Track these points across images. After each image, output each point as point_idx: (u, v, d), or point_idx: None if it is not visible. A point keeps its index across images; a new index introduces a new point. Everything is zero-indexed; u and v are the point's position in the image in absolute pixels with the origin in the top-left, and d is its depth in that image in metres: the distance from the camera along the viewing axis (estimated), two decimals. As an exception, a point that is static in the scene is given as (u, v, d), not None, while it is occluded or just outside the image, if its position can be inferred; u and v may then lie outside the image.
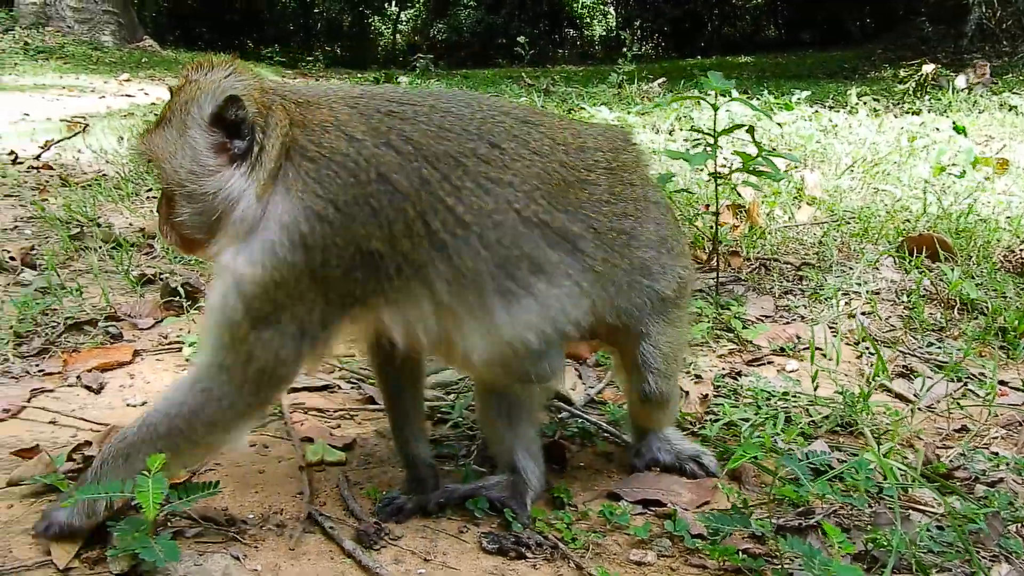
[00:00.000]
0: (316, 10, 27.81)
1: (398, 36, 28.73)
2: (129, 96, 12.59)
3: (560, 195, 1.72)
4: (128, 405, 2.48)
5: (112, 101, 11.74)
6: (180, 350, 2.86)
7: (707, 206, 4.20)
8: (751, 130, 3.51)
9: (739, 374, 2.83)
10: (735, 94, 3.61)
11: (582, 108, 8.53)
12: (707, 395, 2.65)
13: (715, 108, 3.51)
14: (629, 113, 8.16)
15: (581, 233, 1.73)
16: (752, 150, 3.47)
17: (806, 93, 9.41)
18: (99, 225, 4.15)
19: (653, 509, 2.00)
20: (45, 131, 7.55)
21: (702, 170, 4.50)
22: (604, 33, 27.76)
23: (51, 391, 2.52)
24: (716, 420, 2.43)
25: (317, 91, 1.70)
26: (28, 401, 2.42)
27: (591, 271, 1.76)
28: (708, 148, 3.44)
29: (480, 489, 1.91)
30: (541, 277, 1.68)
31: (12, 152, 5.98)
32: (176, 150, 1.60)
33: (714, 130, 3.41)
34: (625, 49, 13.04)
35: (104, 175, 5.45)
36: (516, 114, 1.79)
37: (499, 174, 1.65)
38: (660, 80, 12.31)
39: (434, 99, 1.73)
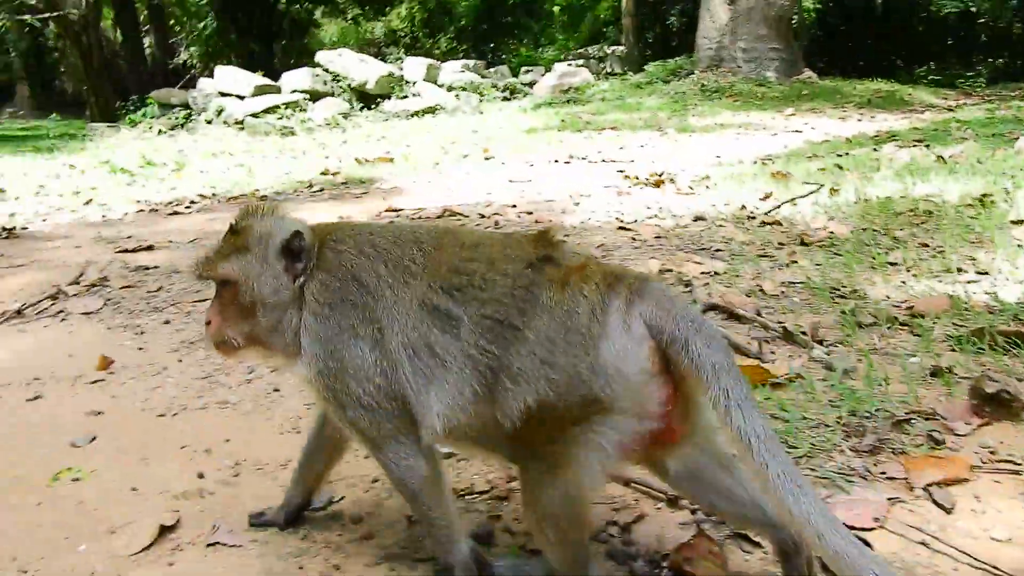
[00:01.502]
0: (980, 20, 25.26)
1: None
2: (797, 132, 13.00)
3: (448, 279, 1.82)
4: (992, 538, 2.35)
5: (785, 138, 12.26)
6: (1018, 473, 2.64)
7: None
8: None
9: None
10: None
11: None
12: None
13: None
14: None
15: (459, 316, 1.79)
16: None
17: None
18: (862, 297, 4.21)
19: None
20: (746, 176, 8.17)
21: None
22: None
23: (903, 502, 2.53)
24: None
25: (361, 228, 2.07)
26: (887, 512, 2.46)
27: (468, 357, 1.75)
28: None
29: None
30: (433, 365, 1.78)
31: (743, 206, 6.59)
32: (258, 268, 1.97)
33: None
34: None
35: (832, 233, 5.58)
36: (437, 235, 1.98)
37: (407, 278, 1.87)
38: None
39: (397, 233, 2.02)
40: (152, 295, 4.78)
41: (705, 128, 13.55)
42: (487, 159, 12.11)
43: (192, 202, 8.50)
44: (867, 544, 2.09)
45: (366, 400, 1.79)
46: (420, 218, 7.13)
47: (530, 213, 7.03)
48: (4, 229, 7.08)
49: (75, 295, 4.73)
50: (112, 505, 2.57)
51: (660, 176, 9.20)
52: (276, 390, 3.37)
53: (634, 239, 5.81)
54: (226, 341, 1.97)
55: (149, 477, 2.74)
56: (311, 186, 9.49)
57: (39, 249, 6.32)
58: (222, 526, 2.39)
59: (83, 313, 4.41)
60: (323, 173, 10.27)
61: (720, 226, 6.08)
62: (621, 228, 6.19)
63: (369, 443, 1.88)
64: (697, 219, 6.39)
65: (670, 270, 4.81)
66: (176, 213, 7.96)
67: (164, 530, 2.41)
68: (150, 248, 6.06)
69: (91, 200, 8.65)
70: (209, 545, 2.33)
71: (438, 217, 7.10)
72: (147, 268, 5.40)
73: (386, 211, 7.58)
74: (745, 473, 1.83)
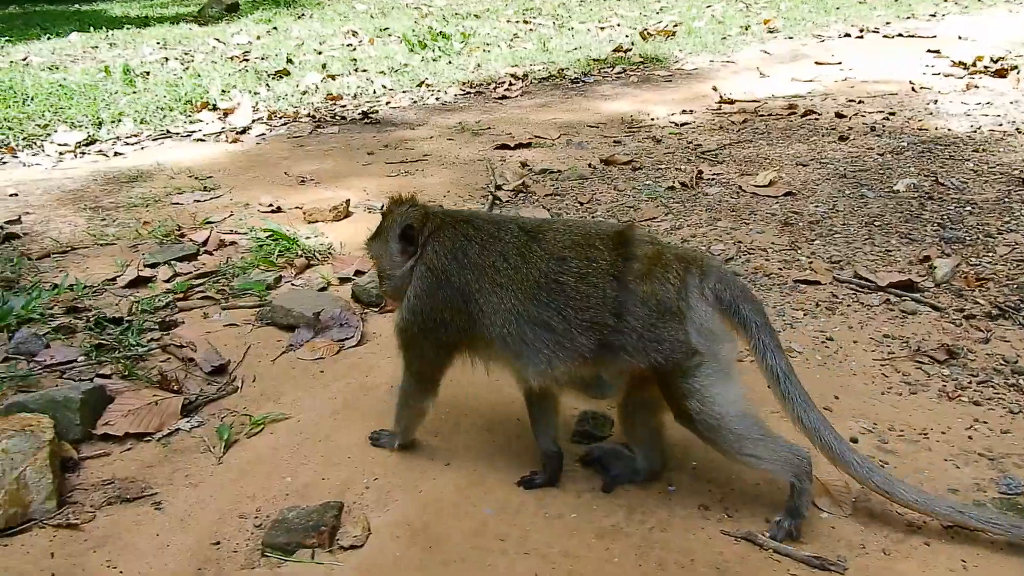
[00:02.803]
0: None
1: None
2: None
3: (533, 294, 2.23)
4: None
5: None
6: None
7: None
8: None
9: None
10: None
11: None
12: None
13: None
14: None
15: (549, 320, 2.20)
16: None
17: None
18: None
19: None
20: None
21: None
22: None
23: None
24: None
25: (455, 216, 2.44)
26: None
27: (560, 345, 2.20)
28: None
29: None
30: (525, 349, 2.23)
31: None
32: (384, 251, 2.51)
33: None
34: None
35: None
36: (531, 231, 2.31)
37: (501, 279, 2.26)
38: None
39: (496, 227, 2.35)
40: (585, 206, 5.01)
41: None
42: (770, 31, 11.48)
43: (509, 84, 8.67)
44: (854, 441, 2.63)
45: (425, 361, 2.45)
46: (762, 113, 6.95)
47: (889, 116, 6.64)
48: (364, 114, 7.56)
49: (508, 202, 5.05)
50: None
51: (998, 62, 8.41)
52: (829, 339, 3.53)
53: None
54: (390, 295, 2.61)
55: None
56: (612, 67, 9.39)
57: (410, 141, 6.72)
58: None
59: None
60: (616, 50, 10.12)
61: None
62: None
63: (408, 371, 2.51)
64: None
65: None
66: (504, 97, 8.17)
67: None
68: (527, 145, 6.29)
69: (424, 81, 8.93)
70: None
71: (788, 111, 6.89)
72: (550, 172, 5.62)
73: (719, 102, 7.44)
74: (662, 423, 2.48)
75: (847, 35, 11.22)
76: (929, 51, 9.85)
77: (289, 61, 9.83)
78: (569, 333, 2.18)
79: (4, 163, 6.41)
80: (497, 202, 5.01)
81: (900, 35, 11.13)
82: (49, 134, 6.93)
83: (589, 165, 5.66)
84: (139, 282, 3.99)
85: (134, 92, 8.16)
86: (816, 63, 9.27)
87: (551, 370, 2.22)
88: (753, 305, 2.19)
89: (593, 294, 2.16)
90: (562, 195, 5.09)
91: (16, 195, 5.53)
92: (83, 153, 6.60)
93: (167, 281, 4.03)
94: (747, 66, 9.31)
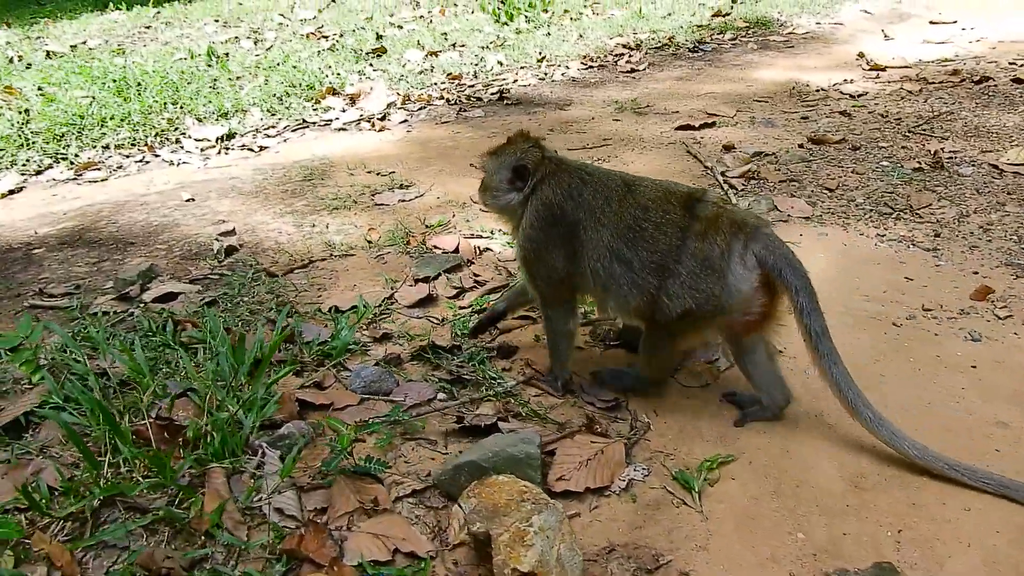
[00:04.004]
0: None
1: None
2: None
3: (623, 234, 2.60)
4: None
5: None
6: None
7: None
8: None
9: None
10: None
11: None
12: None
13: None
14: None
15: (631, 259, 2.57)
16: None
17: None
18: None
19: None
20: None
21: None
22: None
23: None
24: None
25: (569, 163, 2.79)
26: None
27: (634, 283, 2.57)
28: None
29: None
30: (612, 283, 2.61)
31: None
32: (495, 174, 2.83)
33: None
34: None
35: None
36: (628, 183, 2.70)
37: (603, 218, 2.63)
38: None
39: (605, 176, 2.74)
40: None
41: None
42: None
43: (627, 55, 8.31)
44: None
45: (551, 283, 2.75)
46: (932, 81, 6.66)
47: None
48: (500, 94, 7.18)
49: (744, 190, 4.77)
50: None
51: None
52: None
53: None
54: (485, 206, 2.97)
55: None
56: (722, 32, 9.04)
57: (573, 122, 6.37)
58: None
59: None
60: (716, 15, 9.75)
61: None
62: None
63: (543, 303, 2.83)
64: None
65: None
66: (634, 71, 7.82)
67: None
68: (710, 125, 5.98)
69: (543, 57, 8.51)
70: None
71: (956, 77, 6.62)
72: (762, 154, 5.32)
73: (871, 68, 7.15)
74: (772, 364, 2.75)
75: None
76: (1035, 6, 9.61)
77: (378, 37, 9.36)
78: (643, 271, 2.54)
79: (147, 163, 5.99)
80: (732, 190, 4.71)
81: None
82: (177, 128, 6.49)
83: (800, 146, 5.36)
84: (428, 300, 3.67)
85: (238, 78, 7.69)
86: (931, 23, 9.00)
87: (628, 302, 2.59)
88: (796, 270, 2.48)
89: (663, 241, 2.53)
90: (799, 180, 4.80)
91: (192, 199, 5.14)
92: (227, 148, 6.18)
93: (452, 298, 3.71)
94: (859, 28, 9.02)
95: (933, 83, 6.56)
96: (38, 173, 5.80)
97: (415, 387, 3.02)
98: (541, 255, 2.72)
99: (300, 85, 7.31)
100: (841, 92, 6.50)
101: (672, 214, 2.55)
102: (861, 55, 7.53)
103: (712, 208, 2.55)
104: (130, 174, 5.77)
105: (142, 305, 3.84)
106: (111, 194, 5.36)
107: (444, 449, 2.65)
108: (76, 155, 5.98)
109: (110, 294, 3.98)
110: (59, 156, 5.98)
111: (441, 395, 2.99)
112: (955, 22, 8.87)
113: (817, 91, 6.61)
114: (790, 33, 8.92)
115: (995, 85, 6.41)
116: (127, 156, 6.05)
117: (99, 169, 5.83)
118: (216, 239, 4.49)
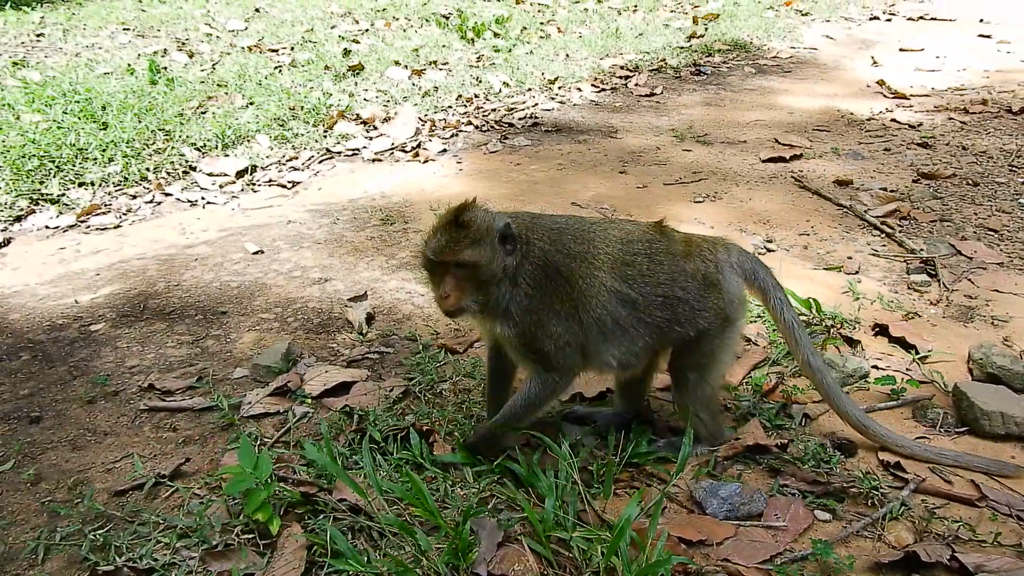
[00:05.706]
0: None
1: None
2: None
3: (620, 271, 2.48)
4: None
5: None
6: None
7: None
8: None
9: None
10: None
11: None
12: None
13: None
14: None
15: (636, 298, 2.48)
16: None
17: None
18: None
19: None
20: None
21: None
22: None
23: None
24: None
25: (534, 215, 2.61)
26: None
27: (640, 320, 2.49)
28: None
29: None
30: (617, 329, 2.48)
31: None
32: (478, 247, 2.39)
33: None
34: None
35: None
36: (597, 222, 2.61)
37: (596, 261, 2.48)
38: None
39: (570, 219, 2.62)
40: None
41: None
42: (801, 13, 11.33)
43: (623, 77, 7.91)
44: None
45: (559, 345, 2.44)
46: (972, 111, 6.70)
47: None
48: (534, 121, 6.53)
49: (899, 231, 4.43)
50: None
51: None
52: None
53: None
54: (462, 309, 2.42)
55: None
56: (710, 55, 8.84)
57: (639, 153, 5.85)
58: None
59: None
60: (691, 37, 9.56)
61: None
62: None
63: (545, 367, 2.47)
64: None
65: None
66: (652, 94, 7.39)
67: None
68: (798, 157, 5.65)
69: (555, 79, 7.92)
70: None
71: (992, 107, 6.69)
72: (885, 190, 5.03)
73: (892, 96, 7.14)
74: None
75: (875, 18, 11.34)
76: (980, 36, 10.15)
77: (346, 53, 8.44)
78: (649, 308, 2.46)
79: (159, 204, 4.90)
80: (890, 231, 4.35)
81: (922, 18, 11.42)
82: (172, 162, 5.38)
83: (915, 181, 5.12)
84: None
85: (209, 98, 6.57)
86: (900, 50, 9.24)
87: (634, 347, 2.50)
88: (767, 271, 2.63)
89: (662, 271, 2.48)
90: (950, 220, 4.50)
91: (261, 251, 4.19)
92: (252, 184, 5.18)
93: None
94: (836, 53, 9.11)
95: (973, 113, 6.59)
96: (18, 220, 4.59)
97: (781, 505, 2.41)
98: (542, 320, 2.44)
99: (302, 108, 6.34)
100: (897, 122, 6.38)
101: (656, 243, 2.53)
102: (881, 82, 7.50)
103: (677, 234, 2.61)
104: (145, 218, 4.68)
105: (309, 400, 2.96)
106: (140, 246, 4.28)
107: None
108: (62, 195, 4.79)
109: (249, 386, 3.06)
110: (40, 197, 4.76)
111: (820, 513, 2.39)
112: (923, 50, 9.15)
113: (869, 120, 6.47)
114: (774, 57, 8.85)
115: (1034, 116, 6.52)
116: (133, 196, 4.91)
117: (104, 213, 4.68)
118: (347, 305, 3.61)
